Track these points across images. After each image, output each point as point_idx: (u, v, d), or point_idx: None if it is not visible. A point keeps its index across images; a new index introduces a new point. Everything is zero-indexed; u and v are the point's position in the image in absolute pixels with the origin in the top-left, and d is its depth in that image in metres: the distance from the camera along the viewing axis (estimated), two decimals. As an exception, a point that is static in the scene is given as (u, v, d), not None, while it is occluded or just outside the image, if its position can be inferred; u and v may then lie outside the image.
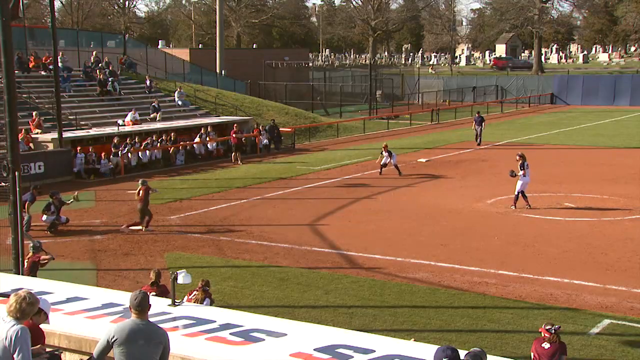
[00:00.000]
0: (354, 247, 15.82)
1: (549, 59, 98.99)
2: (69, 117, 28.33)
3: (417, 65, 78.45)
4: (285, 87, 49.67)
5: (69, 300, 8.38)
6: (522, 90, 59.41)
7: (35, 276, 10.95)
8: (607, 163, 27.48)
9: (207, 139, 30.02)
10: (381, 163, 25.25)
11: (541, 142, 33.97)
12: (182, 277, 8.19)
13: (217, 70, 49.17)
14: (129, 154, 26.50)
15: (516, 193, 19.30)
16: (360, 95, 57.07)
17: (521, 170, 18.98)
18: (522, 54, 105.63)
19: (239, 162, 28.60)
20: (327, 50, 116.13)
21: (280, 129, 33.47)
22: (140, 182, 17.32)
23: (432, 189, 22.52)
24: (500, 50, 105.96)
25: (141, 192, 16.95)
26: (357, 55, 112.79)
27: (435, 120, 45.05)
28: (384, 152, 25.24)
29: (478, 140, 33.09)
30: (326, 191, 22.68)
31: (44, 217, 17.25)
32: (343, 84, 56.46)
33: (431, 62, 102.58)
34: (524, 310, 11.78)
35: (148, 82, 34.93)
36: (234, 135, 29.36)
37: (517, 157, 19.24)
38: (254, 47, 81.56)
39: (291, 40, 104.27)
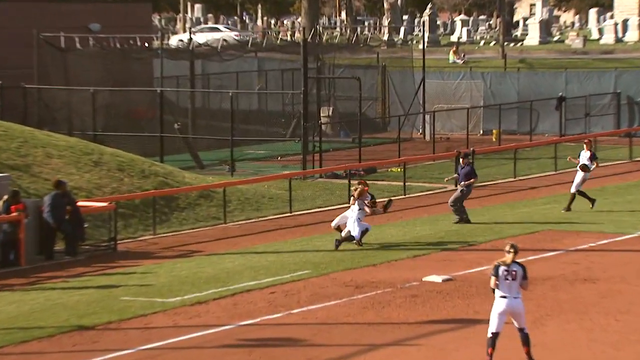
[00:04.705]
0: None
1: None
2: None
3: (420, 45, 79.08)
4: (92, 97, 50.66)
5: None
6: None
7: None
8: None
9: None
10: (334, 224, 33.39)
11: None
12: None
13: None
14: None
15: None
16: (280, 119, 58.30)
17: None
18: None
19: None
20: (198, 6, 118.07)
21: (80, 203, 33.44)
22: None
23: (463, 349, 22.47)
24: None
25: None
26: (276, 22, 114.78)
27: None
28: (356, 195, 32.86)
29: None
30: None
31: None
32: (239, 91, 57.35)
33: (455, 37, 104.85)
34: None
35: None
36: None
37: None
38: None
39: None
